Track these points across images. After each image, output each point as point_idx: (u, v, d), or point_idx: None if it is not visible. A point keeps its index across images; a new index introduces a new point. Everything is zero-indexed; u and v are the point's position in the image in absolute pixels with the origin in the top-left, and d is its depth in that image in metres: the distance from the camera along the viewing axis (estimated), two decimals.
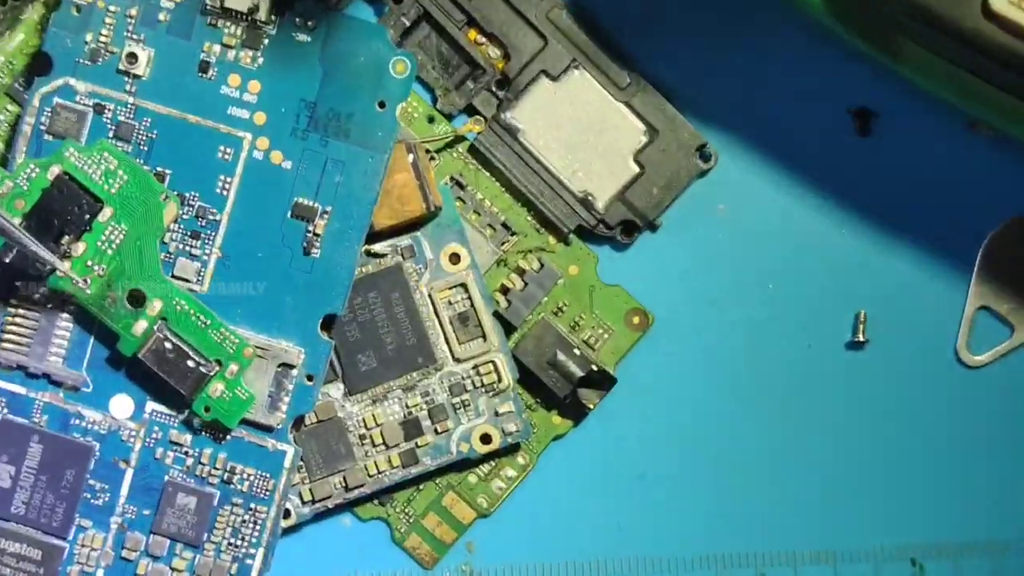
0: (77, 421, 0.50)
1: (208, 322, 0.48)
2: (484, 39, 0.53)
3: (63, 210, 0.48)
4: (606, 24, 0.53)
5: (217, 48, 0.49)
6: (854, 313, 0.54)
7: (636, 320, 0.53)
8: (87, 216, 0.48)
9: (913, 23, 0.46)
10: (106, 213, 0.48)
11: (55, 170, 0.48)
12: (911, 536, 0.54)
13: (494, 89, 0.53)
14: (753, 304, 0.53)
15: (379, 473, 0.52)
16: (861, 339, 0.53)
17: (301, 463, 0.51)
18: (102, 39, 0.49)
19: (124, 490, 0.50)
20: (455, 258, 0.52)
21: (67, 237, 0.48)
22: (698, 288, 0.53)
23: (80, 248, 0.48)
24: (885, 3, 0.47)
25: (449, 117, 0.53)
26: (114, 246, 0.48)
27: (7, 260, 0.48)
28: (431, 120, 0.53)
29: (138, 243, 0.48)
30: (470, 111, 0.53)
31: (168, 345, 0.48)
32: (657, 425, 0.54)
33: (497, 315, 0.52)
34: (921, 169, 0.53)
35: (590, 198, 0.53)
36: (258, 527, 0.50)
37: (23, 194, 0.48)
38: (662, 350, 0.53)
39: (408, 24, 0.52)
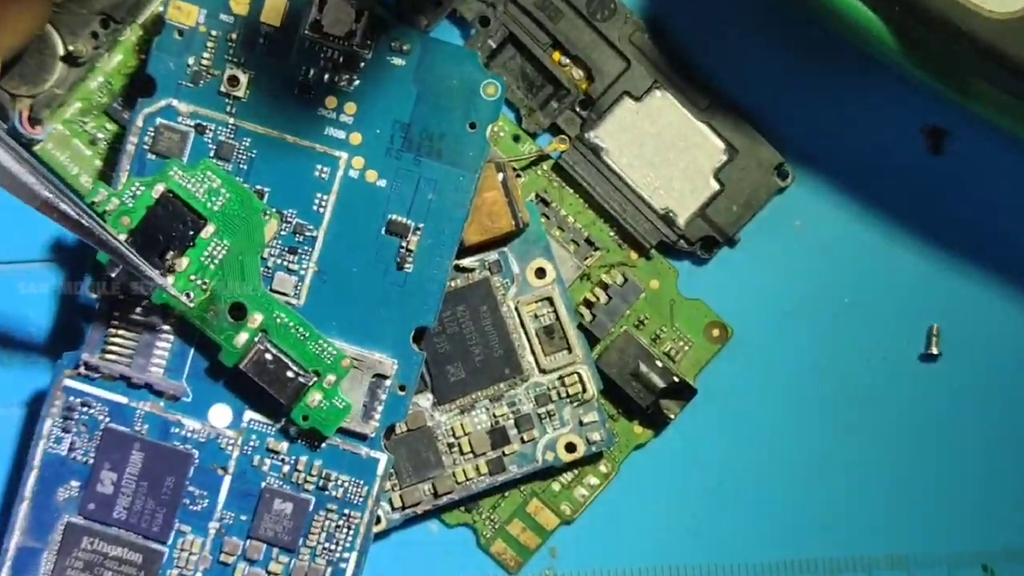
0: (177, 430, 0.52)
1: (307, 334, 0.51)
2: (568, 61, 0.55)
3: (168, 227, 0.50)
4: (686, 46, 0.55)
5: (315, 71, 0.52)
6: (927, 327, 0.56)
7: (716, 333, 0.55)
8: (191, 232, 0.51)
9: (985, 64, 0.48)
10: (209, 229, 0.50)
11: (160, 188, 0.51)
12: (983, 542, 0.56)
13: (578, 109, 0.55)
14: (828, 317, 0.55)
15: (467, 480, 0.54)
16: (934, 352, 0.55)
17: (392, 470, 0.53)
18: (204, 62, 0.51)
19: (222, 496, 0.52)
20: (541, 273, 0.54)
21: (171, 253, 0.50)
22: (775, 302, 0.56)
23: (184, 263, 0.51)
24: (957, 44, 0.49)
25: (534, 136, 0.55)
26: (216, 261, 0.51)
27: (112, 275, 0.51)
28: (516, 139, 0.55)
29: (240, 258, 0.51)
30: (554, 130, 0.55)
31: (268, 356, 0.51)
32: (735, 435, 0.56)
33: (581, 327, 0.54)
34: (993, 186, 0.55)
35: (671, 214, 0.55)
36: (352, 532, 0.52)
37: (129, 211, 0.51)
38: (740, 362, 0.55)
39: (494, 46, 0.55)
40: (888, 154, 0.55)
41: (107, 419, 0.52)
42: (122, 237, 0.50)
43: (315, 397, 0.51)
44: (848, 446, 0.55)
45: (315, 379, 0.51)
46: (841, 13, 0.50)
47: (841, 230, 0.55)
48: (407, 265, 0.51)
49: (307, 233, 0.51)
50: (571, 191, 0.55)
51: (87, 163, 0.55)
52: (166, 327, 0.52)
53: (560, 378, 0.53)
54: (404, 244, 0.51)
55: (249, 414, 0.52)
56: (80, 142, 0.55)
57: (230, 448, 0.52)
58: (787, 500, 0.55)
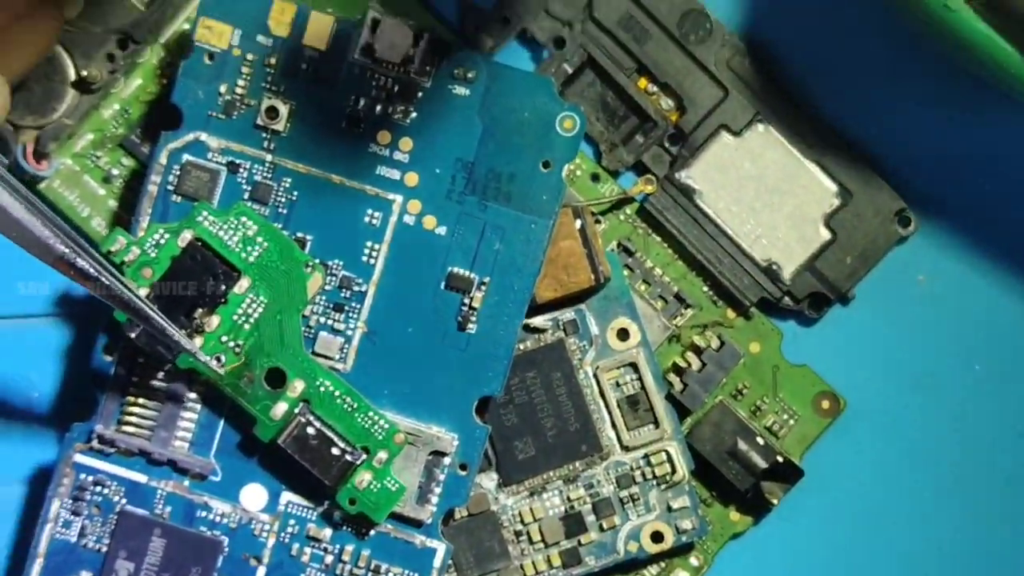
0: (204, 513, 0.48)
1: (355, 405, 0.47)
2: (656, 89, 0.51)
3: (196, 280, 0.47)
4: (793, 74, 0.51)
5: (365, 101, 0.48)
6: None
7: (826, 405, 0.51)
8: (222, 287, 0.47)
9: None
10: (243, 284, 0.47)
11: (187, 236, 0.47)
12: None
13: (667, 145, 0.51)
14: (957, 387, 0.52)
15: (536, 574, 0.50)
16: None
17: (451, 562, 0.49)
18: (238, 91, 0.48)
19: None
20: (624, 334, 0.50)
21: (200, 310, 0.47)
22: (896, 369, 0.52)
23: (214, 322, 0.47)
24: None
25: (615, 175, 0.52)
26: (252, 320, 0.47)
27: (132, 335, 0.47)
28: (595, 179, 0.52)
29: (278, 317, 0.47)
30: (639, 169, 0.52)
31: (311, 431, 0.47)
32: (847, 523, 0.52)
33: (670, 398, 0.51)
34: None
35: (775, 267, 0.51)
36: None
37: (151, 262, 0.47)
38: (854, 439, 0.52)
39: (570, 71, 0.51)
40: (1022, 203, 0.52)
41: (123, 500, 0.48)
42: (144, 292, 0.46)
43: (364, 478, 0.47)
44: (982, 538, 0.52)
45: (364, 457, 0.47)
46: (975, 48, 0.46)
47: (971, 286, 0.52)
48: (470, 325, 0.48)
49: (355, 288, 0.48)
50: (658, 239, 0.51)
51: (100, 204, 0.51)
52: (192, 395, 0.48)
53: (645, 456, 0.50)
54: (467, 301, 0.48)
55: (287, 496, 0.48)
56: (92, 179, 0.51)
57: (265, 535, 0.48)
58: None
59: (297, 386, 0.47)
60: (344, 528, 0.48)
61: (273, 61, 0.48)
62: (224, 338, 0.47)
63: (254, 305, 0.47)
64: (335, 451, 0.47)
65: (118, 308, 0.45)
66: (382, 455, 0.47)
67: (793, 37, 0.51)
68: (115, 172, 0.51)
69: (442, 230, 0.48)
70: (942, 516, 0.52)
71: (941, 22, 0.46)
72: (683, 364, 0.51)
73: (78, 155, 0.51)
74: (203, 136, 0.48)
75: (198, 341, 0.47)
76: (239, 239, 0.47)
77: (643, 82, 0.51)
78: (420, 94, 0.48)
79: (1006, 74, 0.46)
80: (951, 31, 0.46)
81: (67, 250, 0.43)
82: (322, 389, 0.47)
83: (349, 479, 0.47)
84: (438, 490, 0.48)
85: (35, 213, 0.42)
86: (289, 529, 0.48)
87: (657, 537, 0.50)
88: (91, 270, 0.44)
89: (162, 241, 0.47)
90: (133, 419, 0.48)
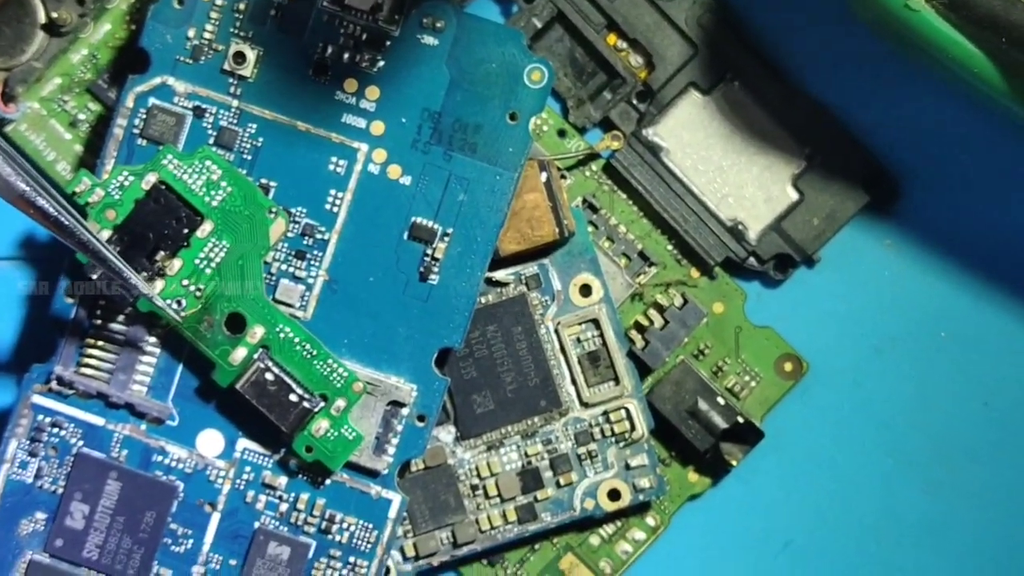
0: (160, 458, 0.51)
1: (315, 352, 0.50)
2: (625, 45, 0.54)
3: (159, 223, 0.49)
4: (765, 31, 0.53)
5: (333, 49, 0.50)
6: None
7: (788, 367, 0.54)
8: (185, 230, 0.49)
9: None
10: (206, 228, 0.49)
11: (151, 179, 0.50)
12: None
13: (635, 101, 0.54)
14: (921, 353, 0.54)
15: (491, 529, 0.53)
16: None
17: (406, 514, 0.52)
18: (206, 35, 0.50)
19: (209, 536, 0.51)
20: (586, 290, 0.52)
21: (162, 253, 0.49)
22: (859, 333, 0.54)
23: (176, 265, 0.49)
24: None
25: (582, 131, 0.54)
26: (214, 264, 0.49)
27: (93, 277, 0.49)
28: (562, 134, 0.54)
29: (240, 262, 0.50)
30: (606, 125, 0.54)
31: (269, 376, 0.49)
32: (807, 487, 0.54)
33: (631, 356, 0.53)
34: None
35: (740, 227, 0.53)
36: None
37: (115, 204, 0.49)
38: (816, 402, 0.54)
39: (540, 26, 0.53)
40: (997, 170, 0.54)
41: (80, 442, 0.51)
42: (106, 234, 0.49)
43: (321, 425, 0.49)
44: (941, 505, 0.54)
45: (322, 404, 0.49)
46: (937, 48, 0.48)
47: (938, 252, 0.54)
48: (432, 276, 0.50)
49: (318, 235, 0.50)
50: (624, 196, 0.54)
51: (66, 148, 0.53)
52: (151, 339, 0.51)
53: (605, 413, 0.52)
54: (429, 252, 0.50)
55: (243, 442, 0.51)
56: (58, 123, 0.53)
57: (220, 481, 0.51)
58: (863, 565, 0.54)
59: (257, 332, 0.49)
60: (300, 476, 0.50)
61: (242, 7, 0.50)
62: (185, 282, 0.49)
63: (216, 249, 0.49)
64: (293, 398, 0.49)
65: (77, 250, 0.47)
66: (340, 403, 0.50)
67: None
68: (81, 117, 0.54)
69: (407, 180, 0.50)
70: (901, 482, 0.54)
71: (902, 22, 0.48)
72: (645, 322, 0.54)
73: (45, 99, 0.53)
74: (170, 80, 0.50)
75: (159, 284, 0.49)
76: (203, 183, 0.49)
77: (612, 38, 0.54)
78: (388, 43, 0.50)
79: (968, 73, 0.48)
80: (912, 31, 0.48)
81: (28, 188, 0.45)
82: (282, 336, 0.49)
83: (306, 426, 0.49)
84: (395, 441, 0.50)
85: None
86: (245, 476, 0.50)
87: (614, 495, 0.52)
88: (51, 210, 0.46)
89: (126, 183, 0.49)
90: (92, 362, 0.51)
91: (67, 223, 0.46)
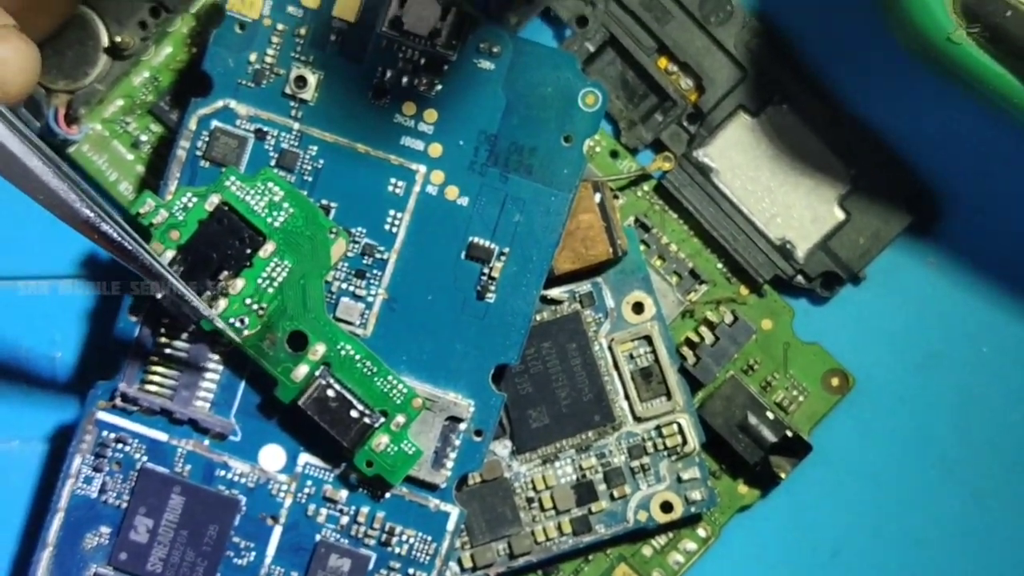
0: (223, 472, 0.52)
1: (375, 369, 0.51)
2: (675, 68, 0.55)
3: (222, 243, 0.50)
4: (811, 56, 0.54)
5: (392, 73, 0.51)
6: None
7: (835, 382, 0.55)
8: (248, 251, 0.50)
9: None
10: (268, 248, 0.50)
11: (215, 200, 0.51)
12: None
13: (685, 123, 0.55)
14: (964, 368, 0.55)
15: (547, 540, 0.54)
16: None
17: (463, 526, 0.52)
18: (267, 60, 0.51)
19: (271, 549, 0.52)
20: (639, 307, 0.54)
21: (225, 273, 0.50)
22: (904, 349, 0.55)
23: (239, 285, 0.50)
24: None
25: (634, 152, 0.55)
26: (276, 284, 0.50)
27: (159, 296, 0.50)
28: (614, 155, 0.55)
29: (302, 282, 0.51)
30: (657, 147, 0.55)
31: (331, 393, 0.50)
32: (854, 499, 0.55)
33: (683, 371, 0.54)
34: None
35: (788, 246, 0.54)
36: None
37: (179, 225, 0.50)
38: (862, 416, 0.55)
39: (592, 50, 0.54)
40: None
41: (144, 458, 0.52)
42: (170, 254, 0.50)
43: (381, 440, 0.50)
44: (984, 516, 0.55)
45: (382, 420, 0.50)
46: (979, 79, 0.49)
47: (979, 270, 0.55)
48: (488, 295, 0.51)
49: (377, 255, 0.51)
50: (675, 216, 0.55)
51: (128, 168, 0.55)
52: (215, 357, 0.52)
53: (657, 428, 0.53)
54: (486, 271, 0.51)
55: (305, 457, 0.52)
56: (121, 144, 0.55)
57: (282, 495, 0.52)
58: (916, 574, 0.55)
59: (318, 349, 0.50)
60: (360, 490, 0.51)
61: (303, 32, 0.51)
62: (248, 301, 0.50)
63: (278, 269, 0.50)
64: (354, 414, 0.50)
65: (140, 273, 0.48)
66: (400, 419, 0.51)
67: (811, 19, 0.54)
68: (143, 138, 0.55)
69: (464, 200, 0.51)
70: (946, 495, 0.55)
71: (944, 54, 0.49)
72: (696, 338, 0.55)
73: (108, 120, 0.54)
74: (232, 103, 0.52)
75: (222, 303, 0.50)
76: (265, 204, 0.50)
77: (663, 62, 0.55)
78: (446, 67, 0.51)
79: (1010, 104, 0.49)
80: (954, 63, 0.49)
81: (92, 215, 0.46)
82: (343, 353, 0.51)
83: (367, 441, 0.50)
84: (453, 455, 0.51)
85: (63, 178, 0.45)
86: (306, 490, 0.51)
87: (667, 507, 0.53)
88: (114, 235, 0.46)
89: (190, 204, 0.50)
90: (156, 379, 0.52)
91: (130, 248, 0.47)
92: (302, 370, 0.50)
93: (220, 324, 0.50)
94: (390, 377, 0.51)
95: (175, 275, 0.49)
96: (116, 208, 0.53)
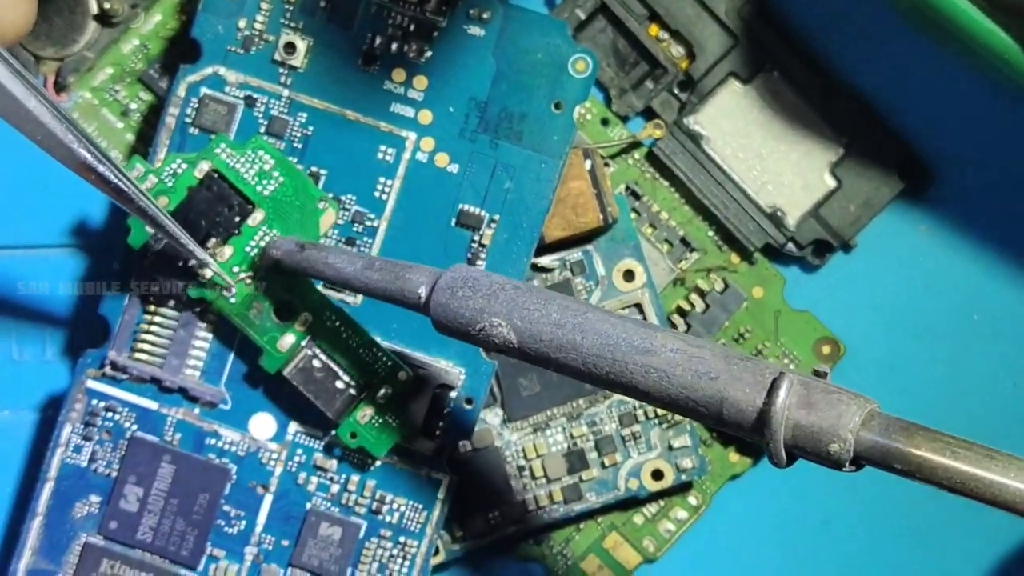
0: (213, 441, 0.52)
1: (361, 340, 0.50)
2: (667, 36, 0.54)
3: (211, 211, 0.50)
4: (803, 22, 0.54)
5: (381, 39, 0.51)
6: None
7: (826, 350, 0.55)
8: (237, 218, 0.50)
9: None
10: (257, 216, 0.50)
11: (204, 167, 0.50)
12: None
13: (676, 91, 0.55)
14: (955, 336, 0.55)
15: (538, 509, 0.54)
16: None
17: (453, 495, 0.52)
18: (256, 26, 0.51)
19: (262, 518, 0.52)
20: (629, 275, 0.53)
21: (213, 240, 0.50)
22: (895, 317, 0.55)
23: (227, 253, 0.50)
24: None
25: (625, 120, 0.55)
26: None
27: (145, 261, 0.50)
28: (605, 123, 0.55)
29: None
30: (648, 114, 0.55)
31: (316, 364, 0.50)
32: None
33: None
34: None
35: (779, 213, 0.54)
36: (407, 563, 0.51)
37: (168, 191, 0.50)
38: (853, 384, 0.52)
39: (583, 17, 0.54)
40: None
41: (134, 426, 0.52)
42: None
43: (366, 412, 0.50)
44: None
45: (368, 392, 0.50)
46: (973, 36, 0.49)
47: (971, 236, 0.55)
48: (479, 262, 0.51)
49: (367, 222, 0.51)
50: (666, 184, 0.55)
51: (117, 136, 0.54)
52: (203, 324, 0.51)
53: None
54: (476, 238, 0.51)
55: (295, 425, 0.52)
56: (110, 112, 0.54)
57: (272, 463, 0.51)
58: (900, 543, 0.55)
59: (305, 319, 0.50)
60: (350, 459, 0.51)
61: None
62: (236, 269, 0.50)
63: (267, 237, 0.50)
64: (339, 384, 0.50)
65: (137, 216, 0.47)
66: (385, 391, 0.50)
67: None
68: (133, 106, 0.55)
69: (454, 168, 0.51)
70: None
71: (936, 10, 0.48)
72: (687, 307, 0.54)
73: (97, 88, 0.54)
74: (221, 70, 0.51)
75: (215, 264, 0.50)
76: (255, 172, 0.50)
77: (654, 29, 0.54)
78: (435, 33, 0.51)
79: (1001, 61, 0.49)
80: (946, 19, 0.49)
81: (89, 156, 0.45)
82: (329, 324, 0.50)
83: (352, 413, 0.50)
84: (444, 423, 0.51)
85: (60, 119, 0.45)
86: (296, 458, 0.51)
87: (657, 475, 0.53)
88: (111, 176, 0.46)
89: (179, 171, 0.50)
90: (146, 347, 0.51)
91: (127, 189, 0.46)
92: (288, 340, 0.50)
93: (215, 268, 0.49)
94: (376, 349, 0.50)
95: (171, 219, 0.48)
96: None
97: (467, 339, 0.42)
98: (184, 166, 0.50)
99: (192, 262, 0.49)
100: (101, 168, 0.46)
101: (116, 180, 0.46)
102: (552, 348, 0.40)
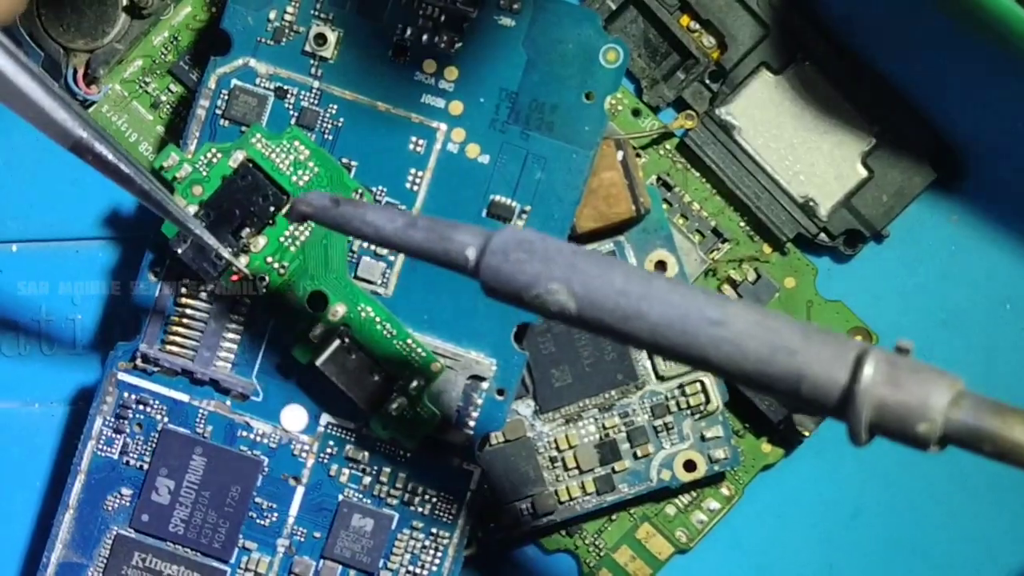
0: (245, 433, 0.52)
1: (394, 331, 0.50)
2: (698, 26, 0.54)
3: (245, 200, 0.50)
4: (835, 13, 0.54)
5: (412, 30, 0.51)
6: None
7: (858, 340, 0.54)
8: (271, 208, 0.50)
9: None
10: None
11: (239, 156, 0.50)
12: None
13: (707, 81, 0.54)
14: (988, 327, 0.55)
15: (570, 500, 0.53)
16: None
17: (486, 486, 0.52)
18: (287, 17, 0.51)
19: (294, 510, 0.51)
20: (661, 266, 0.53)
21: (247, 230, 0.50)
22: (927, 307, 0.55)
23: (261, 243, 0.50)
24: None
25: (656, 110, 0.55)
26: (298, 243, 0.50)
27: (179, 251, 0.50)
28: (636, 113, 0.55)
29: (324, 242, 0.50)
30: (679, 105, 0.55)
31: (349, 354, 0.50)
32: (877, 457, 0.52)
33: None
34: None
35: (812, 204, 0.54)
36: (439, 554, 0.51)
37: (202, 180, 0.50)
38: None
39: (614, 7, 0.54)
40: None
41: (165, 419, 0.52)
42: (192, 209, 0.50)
43: (398, 404, 0.50)
44: (1008, 473, 0.53)
45: (400, 383, 0.50)
46: (1005, 24, 0.49)
47: (1003, 226, 0.54)
48: None
49: None
50: (697, 174, 0.55)
51: (148, 129, 0.54)
52: (236, 316, 0.51)
53: (680, 387, 0.53)
54: None
55: (326, 417, 0.51)
56: (140, 105, 0.54)
57: (304, 455, 0.51)
58: (932, 533, 0.55)
59: (338, 310, 0.50)
60: (382, 450, 0.51)
61: None
62: (269, 259, 0.50)
63: (301, 228, 0.50)
64: (372, 376, 0.50)
65: (139, 198, 0.47)
66: (418, 382, 0.50)
67: None
68: (163, 98, 0.55)
69: (485, 158, 0.51)
70: (969, 454, 0.54)
71: (976, 4, 0.48)
72: None
73: (127, 80, 0.54)
74: (252, 62, 0.51)
75: (244, 261, 0.50)
76: (290, 162, 0.50)
77: (685, 19, 0.54)
78: (466, 24, 0.51)
79: None
80: (978, 6, 0.49)
81: (85, 135, 0.45)
82: (363, 314, 0.50)
83: (384, 404, 0.50)
84: (475, 414, 0.51)
85: (54, 97, 0.44)
86: (328, 450, 0.51)
87: (690, 466, 0.53)
88: (109, 156, 0.45)
89: (214, 160, 0.50)
90: (177, 339, 0.51)
91: (127, 170, 0.46)
92: (320, 330, 0.50)
93: (225, 255, 0.49)
94: (409, 340, 0.50)
95: (171, 199, 0.48)
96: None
97: (520, 304, 0.39)
98: (219, 155, 0.50)
99: (223, 252, 0.49)
100: (98, 147, 0.45)
101: (114, 160, 0.45)
102: (615, 317, 0.37)
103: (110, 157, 0.45)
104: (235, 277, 0.50)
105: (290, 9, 0.51)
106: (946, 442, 0.36)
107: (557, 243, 0.39)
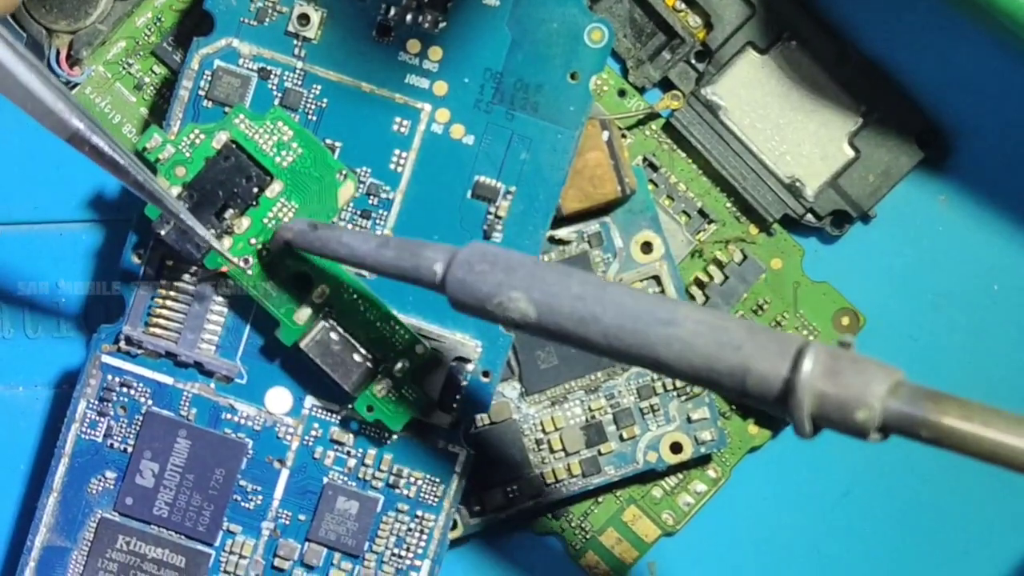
0: (229, 415, 0.51)
1: (379, 313, 0.50)
2: (683, 6, 0.54)
3: (228, 181, 0.50)
4: None
5: (396, 10, 0.51)
6: None
7: (845, 321, 0.54)
8: (255, 189, 0.50)
9: None
10: (275, 188, 0.50)
11: (222, 137, 0.50)
12: None
13: (693, 61, 0.54)
14: (976, 307, 0.55)
15: (556, 482, 0.53)
16: None
17: (471, 468, 0.52)
18: None
19: (278, 492, 0.51)
20: (647, 247, 0.53)
21: (231, 211, 0.50)
22: (915, 288, 0.55)
23: (244, 224, 0.50)
24: None
25: (641, 91, 0.55)
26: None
27: (162, 233, 0.50)
28: (622, 94, 0.55)
29: None
30: (665, 85, 0.55)
31: (333, 336, 0.50)
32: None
33: None
34: None
35: (798, 184, 0.54)
36: (424, 537, 0.51)
37: (185, 161, 0.50)
38: (873, 355, 0.54)
39: None
40: None
41: (149, 402, 0.51)
42: (176, 190, 0.49)
43: (383, 386, 0.50)
44: None
45: (384, 365, 0.50)
46: (994, 4, 0.48)
47: (991, 206, 0.54)
48: (495, 234, 0.50)
49: (383, 195, 0.51)
50: (683, 155, 0.54)
51: (131, 111, 0.54)
52: (219, 298, 0.51)
53: None
54: (493, 210, 0.50)
55: (311, 399, 0.51)
56: (124, 86, 0.54)
57: (289, 438, 0.51)
58: (924, 516, 0.55)
59: (322, 291, 0.50)
60: (367, 432, 0.51)
61: None
62: (253, 240, 0.50)
63: (285, 209, 0.50)
64: (356, 358, 0.50)
65: (134, 190, 0.47)
66: (403, 364, 0.50)
67: None
68: (147, 80, 0.54)
69: (469, 139, 0.51)
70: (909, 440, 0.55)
71: None
72: (705, 278, 0.54)
73: (110, 62, 0.54)
74: (235, 42, 0.51)
75: (227, 242, 0.50)
76: (274, 143, 0.50)
77: None
78: (450, 3, 0.50)
79: (1020, 27, 0.48)
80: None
81: (82, 126, 0.45)
82: (346, 296, 0.50)
83: (368, 386, 0.50)
84: (461, 397, 0.51)
85: (51, 87, 0.44)
86: (313, 432, 0.51)
87: (676, 448, 0.53)
88: (106, 148, 0.45)
89: (197, 141, 0.50)
90: (160, 321, 0.51)
91: (123, 163, 0.46)
92: (304, 312, 0.50)
93: (215, 244, 0.49)
94: (394, 322, 0.50)
95: (168, 193, 0.48)
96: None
97: (484, 315, 0.42)
98: (202, 136, 0.50)
99: (215, 245, 0.49)
100: (95, 139, 0.45)
101: (111, 152, 0.45)
102: (572, 321, 0.39)
103: (106, 149, 0.46)
104: (224, 269, 0.50)
105: None
106: (887, 430, 0.37)
107: (519, 255, 0.42)
